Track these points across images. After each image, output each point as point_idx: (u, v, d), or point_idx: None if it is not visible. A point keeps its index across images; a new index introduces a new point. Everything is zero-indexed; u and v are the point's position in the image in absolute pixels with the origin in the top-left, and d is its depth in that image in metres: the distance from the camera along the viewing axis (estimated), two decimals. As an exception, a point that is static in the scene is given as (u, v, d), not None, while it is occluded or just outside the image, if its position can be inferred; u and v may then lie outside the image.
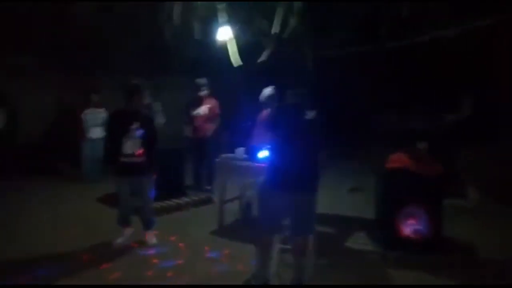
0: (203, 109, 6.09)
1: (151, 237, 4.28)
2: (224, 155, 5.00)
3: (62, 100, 8.85)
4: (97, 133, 6.97)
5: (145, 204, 4.22)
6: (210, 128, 6.18)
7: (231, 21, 5.30)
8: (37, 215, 5.24)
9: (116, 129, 3.99)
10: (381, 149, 5.52)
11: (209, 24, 5.60)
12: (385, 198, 4.16)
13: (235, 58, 5.41)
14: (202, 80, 6.12)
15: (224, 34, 5.47)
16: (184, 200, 5.69)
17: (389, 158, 4.15)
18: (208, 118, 6.15)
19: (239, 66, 5.51)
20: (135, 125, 3.96)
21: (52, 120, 8.83)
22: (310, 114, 3.20)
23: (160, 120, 6.05)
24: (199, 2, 5.38)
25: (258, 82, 5.17)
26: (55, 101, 8.68)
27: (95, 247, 4.14)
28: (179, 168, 5.93)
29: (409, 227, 3.94)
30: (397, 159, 4.07)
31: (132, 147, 3.98)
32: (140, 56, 8.07)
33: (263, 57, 5.49)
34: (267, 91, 5.00)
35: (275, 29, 5.19)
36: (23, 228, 4.73)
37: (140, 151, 3.99)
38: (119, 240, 4.18)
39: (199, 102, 6.15)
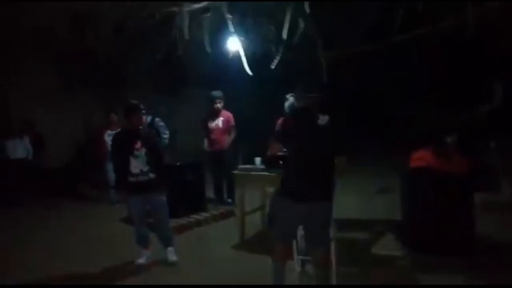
0: (218, 122, 6.07)
1: (172, 255, 4.22)
2: (242, 166, 4.92)
3: (86, 122, 9.10)
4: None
5: (160, 221, 4.18)
6: (226, 140, 6.12)
7: (238, 30, 5.24)
8: (67, 236, 5.32)
9: (120, 150, 4.04)
10: (409, 146, 5.31)
11: (219, 35, 5.57)
12: (409, 199, 3.93)
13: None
14: (217, 93, 6.09)
15: (234, 44, 5.43)
16: (203, 215, 5.61)
17: (412, 156, 3.93)
18: (224, 130, 6.11)
19: (250, 76, 5.43)
20: (138, 144, 3.97)
21: (77, 142, 9.08)
22: (323, 119, 3.05)
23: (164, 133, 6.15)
24: (206, 14, 5.35)
25: (273, 91, 5.09)
26: (79, 122, 8.93)
27: (117, 266, 4.16)
28: (199, 182, 5.88)
29: (437, 229, 3.69)
30: (420, 157, 3.85)
31: (138, 166, 3.98)
32: (156, 72, 8.17)
33: (274, 64, 5.37)
34: (290, 99, 4.95)
35: (284, 34, 5.09)
36: (51, 248, 4.84)
37: (146, 169, 3.99)
38: (140, 260, 4.15)
39: (214, 115, 6.11)
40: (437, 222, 3.68)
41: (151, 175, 3.99)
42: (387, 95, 9.16)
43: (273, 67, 5.39)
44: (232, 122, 6.16)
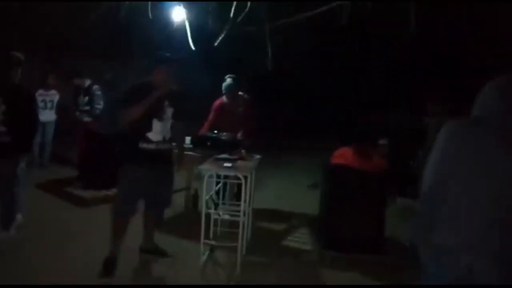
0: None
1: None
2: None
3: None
4: (46, 116, 6.61)
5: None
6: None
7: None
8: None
9: None
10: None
11: (164, 3, 5.29)
12: (325, 194, 3.93)
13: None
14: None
15: (179, 14, 5.18)
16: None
17: (334, 153, 3.91)
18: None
19: (194, 51, 5.22)
20: None
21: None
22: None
23: (98, 103, 5.93)
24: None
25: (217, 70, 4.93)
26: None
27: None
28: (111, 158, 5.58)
29: (347, 227, 3.70)
30: (341, 155, 3.83)
31: None
32: (100, 39, 7.75)
33: (217, 41, 5.17)
34: (227, 80, 4.86)
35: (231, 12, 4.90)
36: None
37: (3, 129, 3.46)
38: None
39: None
40: (348, 220, 3.69)
41: (8, 137, 3.46)
42: (333, 91, 9.20)
43: (216, 44, 5.21)
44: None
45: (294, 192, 6.14)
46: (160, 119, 3.25)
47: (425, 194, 1.51)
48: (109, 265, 3.22)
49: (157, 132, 3.24)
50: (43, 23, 7.56)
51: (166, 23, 5.38)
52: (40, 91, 6.71)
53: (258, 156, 4.15)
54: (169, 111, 3.32)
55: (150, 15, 5.21)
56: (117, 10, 5.59)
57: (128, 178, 3.24)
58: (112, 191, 4.98)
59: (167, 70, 3.30)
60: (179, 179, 4.92)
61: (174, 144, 3.52)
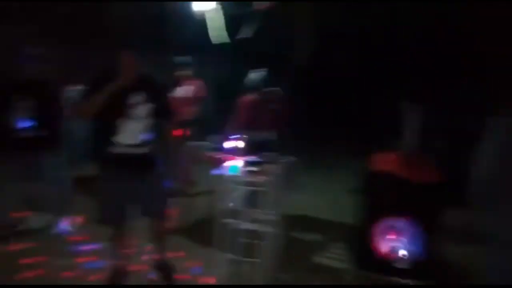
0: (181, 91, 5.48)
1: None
2: (193, 143, 4.40)
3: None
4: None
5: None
6: (190, 112, 5.54)
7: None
8: None
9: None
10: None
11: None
12: (366, 206, 3.34)
13: (217, 33, 4.72)
14: (184, 59, 5.48)
15: (203, 4, 4.80)
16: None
17: (373, 158, 3.34)
18: (189, 101, 5.52)
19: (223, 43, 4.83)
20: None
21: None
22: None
23: None
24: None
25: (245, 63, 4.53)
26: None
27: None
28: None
29: (388, 244, 3.12)
30: (382, 160, 3.25)
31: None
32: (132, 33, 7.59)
33: (246, 32, 4.76)
34: (253, 74, 4.41)
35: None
36: None
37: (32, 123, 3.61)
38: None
39: (180, 83, 5.51)
40: (387, 235, 3.10)
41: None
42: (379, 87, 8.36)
43: (243, 36, 4.81)
44: (201, 92, 5.57)
45: (332, 198, 5.59)
46: (130, 117, 2.69)
47: None
48: (113, 278, 2.90)
49: (126, 133, 2.69)
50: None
51: (194, 14, 5.04)
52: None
53: (290, 158, 3.69)
54: (142, 108, 2.72)
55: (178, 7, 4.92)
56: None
57: (101, 184, 2.81)
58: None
59: (131, 54, 2.68)
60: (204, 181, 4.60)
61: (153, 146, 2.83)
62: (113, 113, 2.63)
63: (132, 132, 2.67)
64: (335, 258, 3.66)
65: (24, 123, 3.55)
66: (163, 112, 2.82)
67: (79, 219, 3.98)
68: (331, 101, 5.45)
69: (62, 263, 3.25)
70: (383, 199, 3.17)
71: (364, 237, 3.23)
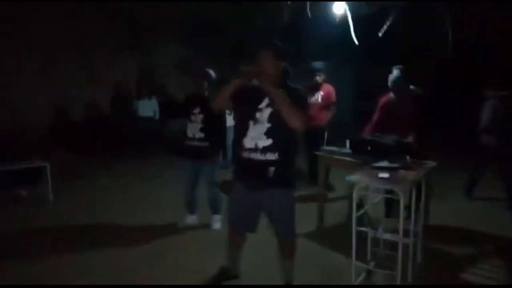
0: (318, 97, 5.57)
1: (216, 222, 4.29)
2: (326, 148, 4.43)
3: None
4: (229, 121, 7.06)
5: (210, 189, 4.21)
6: (325, 117, 5.60)
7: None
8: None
9: (182, 113, 4.16)
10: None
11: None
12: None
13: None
14: (318, 64, 5.57)
15: (340, 7, 4.80)
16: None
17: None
18: (323, 106, 5.58)
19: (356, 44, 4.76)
20: (196, 110, 4.01)
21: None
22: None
23: None
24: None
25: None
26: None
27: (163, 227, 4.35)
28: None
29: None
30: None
31: (193, 130, 4.04)
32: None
33: (383, 29, 4.59)
34: (394, 72, 4.32)
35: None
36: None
37: (200, 135, 4.02)
38: (180, 224, 4.33)
39: (314, 89, 5.62)
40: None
41: (204, 143, 3.98)
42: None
43: (380, 34, 4.64)
44: (333, 98, 5.59)
45: (483, 208, 4.99)
46: (255, 121, 2.62)
47: None
48: (220, 274, 3.13)
49: (250, 137, 2.62)
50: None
51: (326, 20, 5.10)
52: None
53: (431, 163, 3.44)
54: (266, 111, 2.61)
55: (309, 13, 5.02)
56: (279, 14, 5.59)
57: (232, 188, 2.87)
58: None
59: (267, 53, 2.62)
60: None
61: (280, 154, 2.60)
62: (243, 115, 2.69)
63: (253, 137, 2.61)
64: (484, 275, 3.28)
65: (194, 134, 4.04)
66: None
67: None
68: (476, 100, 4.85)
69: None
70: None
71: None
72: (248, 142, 2.61)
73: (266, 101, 2.60)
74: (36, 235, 4.18)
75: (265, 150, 2.57)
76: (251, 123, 2.60)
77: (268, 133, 2.57)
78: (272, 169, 2.58)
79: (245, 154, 2.62)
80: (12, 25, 7.90)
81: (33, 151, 6.11)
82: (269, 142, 2.56)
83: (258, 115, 2.60)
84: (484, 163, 5.20)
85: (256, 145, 2.58)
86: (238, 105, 2.71)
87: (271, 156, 2.57)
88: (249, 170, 2.65)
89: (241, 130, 2.66)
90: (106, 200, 5.37)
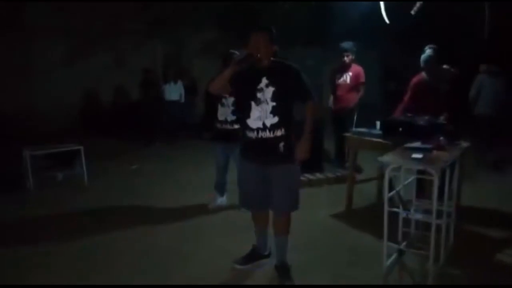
0: (346, 78, 5.50)
1: None
2: (356, 129, 4.39)
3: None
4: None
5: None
6: (353, 99, 5.53)
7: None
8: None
9: (211, 96, 4.06)
10: None
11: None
12: None
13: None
14: (347, 44, 5.47)
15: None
16: (317, 176, 5.29)
17: None
18: (352, 87, 5.51)
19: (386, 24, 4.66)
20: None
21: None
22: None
23: None
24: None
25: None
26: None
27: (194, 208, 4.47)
28: (316, 141, 5.51)
29: None
30: None
31: (224, 114, 4.05)
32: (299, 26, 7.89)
33: (415, 8, 4.46)
34: (427, 51, 4.22)
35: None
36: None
37: (231, 118, 4.02)
38: (210, 205, 4.41)
39: (343, 70, 5.55)
40: None
41: (235, 126, 3.94)
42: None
43: (413, 12, 4.50)
44: (362, 78, 5.51)
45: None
46: (257, 101, 2.70)
47: None
48: (248, 255, 3.17)
49: (254, 117, 2.71)
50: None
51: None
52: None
53: (464, 144, 3.38)
54: (267, 91, 2.69)
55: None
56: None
57: (239, 168, 3.14)
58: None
59: (259, 34, 2.70)
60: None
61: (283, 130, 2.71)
62: (243, 97, 2.77)
63: (260, 116, 2.70)
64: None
65: (226, 117, 4.07)
66: (301, 96, 2.75)
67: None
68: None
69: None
70: None
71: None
72: (254, 122, 2.72)
73: (264, 80, 2.70)
74: (74, 216, 4.33)
75: (273, 127, 2.69)
76: (253, 103, 2.71)
77: (274, 112, 2.68)
78: (282, 144, 2.71)
79: (253, 134, 2.73)
80: (44, 14, 8.10)
81: (66, 134, 6.35)
82: (275, 120, 2.68)
83: (259, 95, 2.70)
84: (483, 131, 5.70)
85: (264, 124, 2.69)
86: (238, 88, 2.80)
87: (279, 132, 2.70)
88: (260, 149, 2.75)
89: (244, 111, 2.77)
90: (138, 183, 5.52)
